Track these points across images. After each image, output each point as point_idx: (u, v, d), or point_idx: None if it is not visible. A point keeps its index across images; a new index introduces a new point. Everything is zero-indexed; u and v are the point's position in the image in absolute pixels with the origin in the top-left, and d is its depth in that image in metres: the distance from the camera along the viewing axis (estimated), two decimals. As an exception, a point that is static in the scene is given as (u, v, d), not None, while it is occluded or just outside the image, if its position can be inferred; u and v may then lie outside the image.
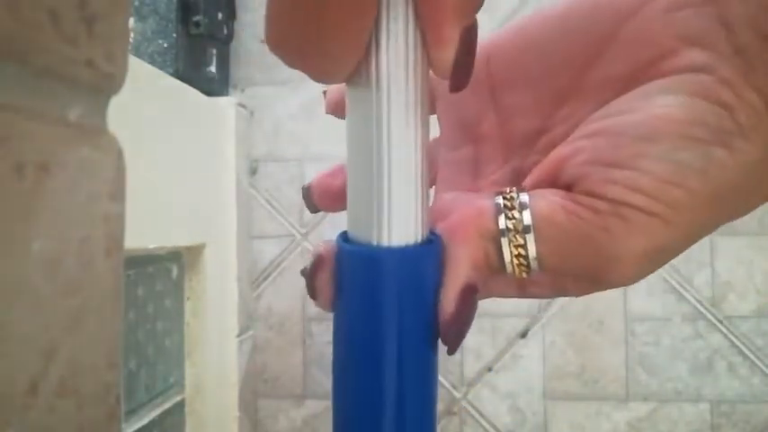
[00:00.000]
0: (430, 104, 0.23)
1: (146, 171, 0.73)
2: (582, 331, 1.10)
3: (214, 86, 1.09)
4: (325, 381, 1.14)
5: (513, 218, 0.22)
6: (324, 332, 1.14)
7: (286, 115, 1.15)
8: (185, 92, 0.92)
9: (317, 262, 0.24)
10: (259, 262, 1.15)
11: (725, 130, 0.20)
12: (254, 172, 1.15)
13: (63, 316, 0.16)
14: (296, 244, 1.15)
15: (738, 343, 1.08)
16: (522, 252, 0.22)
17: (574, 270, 0.23)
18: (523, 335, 1.11)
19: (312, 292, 0.24)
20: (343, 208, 0.24)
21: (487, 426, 1.11)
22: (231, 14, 1.14)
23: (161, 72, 0.86)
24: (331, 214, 1.13)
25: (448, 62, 0.20)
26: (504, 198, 0.23)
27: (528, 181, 0.24)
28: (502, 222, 0.22)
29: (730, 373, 1.08)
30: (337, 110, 0.28)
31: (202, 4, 1.05)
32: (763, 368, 1.07)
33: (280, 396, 1.14)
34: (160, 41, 1.01)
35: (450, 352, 0.23)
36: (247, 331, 1.10)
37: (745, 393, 1.07)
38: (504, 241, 0.22)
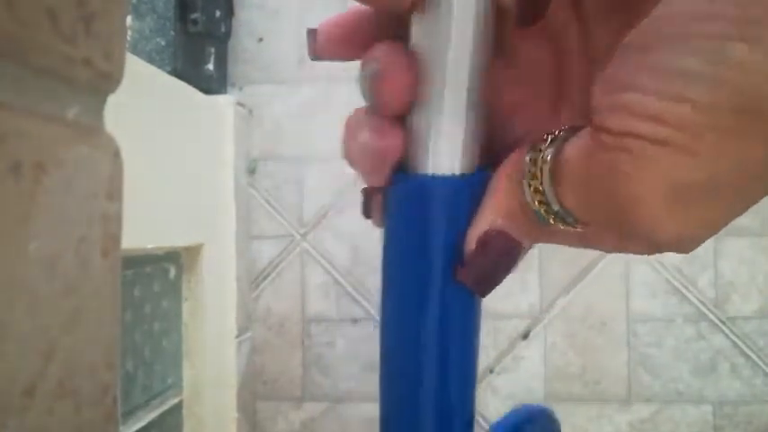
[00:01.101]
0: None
1: (143, 170, 0.73)
2: (584, 332, 1.10)
3: (212, 85, 1.10)
4: (324, 383, 1.14)
5: (536, 162, 0.21)
6: (323, 333, 1.14)
7: (285, 114, 1.16)
8: (183, 90, 0.92)
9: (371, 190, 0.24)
10: (258, 262, 1.15)
11: (749, 18, 0.16)
12: (252, 171, 1.15)
13: (60, 316, 0.16)
14: (295, 244, 1.15)
15: (741, 344, 1.08)
16: (543, 198, 0.21)
17: (599, 217, 0.20)
18: (525, 336, 1.11)
19: (366, 211, 0.25)
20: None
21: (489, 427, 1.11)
22: (229, 12, 1.14)
23: (159, 70, 0.86)
24: (331, 216, 1.14)
25: None
26: (535, 146, 0.22)
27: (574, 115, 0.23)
28: (528, 168, 0.21)
29: (733, 375, 1.08)
30: (328, 48, 0.26)
31: (200, 1, 1.06)
32: (766, 369, 1.08)
33: (278, 398, 1.14)
34: (158, 40, 1.02)
35: (480, 295, 0.23)
36: (246, 332, 1.11)
37: (748, 394, 1.08)
38: (525, 184, 0.21)
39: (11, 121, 0.14)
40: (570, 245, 0.24)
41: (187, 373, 0.96)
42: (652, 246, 0.20)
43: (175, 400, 0.94)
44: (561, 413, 1.15)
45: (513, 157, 0.23)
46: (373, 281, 1.14)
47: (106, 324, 0.18)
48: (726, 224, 0.19)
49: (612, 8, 0.23)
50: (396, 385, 0.25)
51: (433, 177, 0.22)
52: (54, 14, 0.15)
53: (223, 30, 1.11)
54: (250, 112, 1.14)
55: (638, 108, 0.17)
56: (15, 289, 0.14)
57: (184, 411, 0.96)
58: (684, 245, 0.19)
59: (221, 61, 1.12)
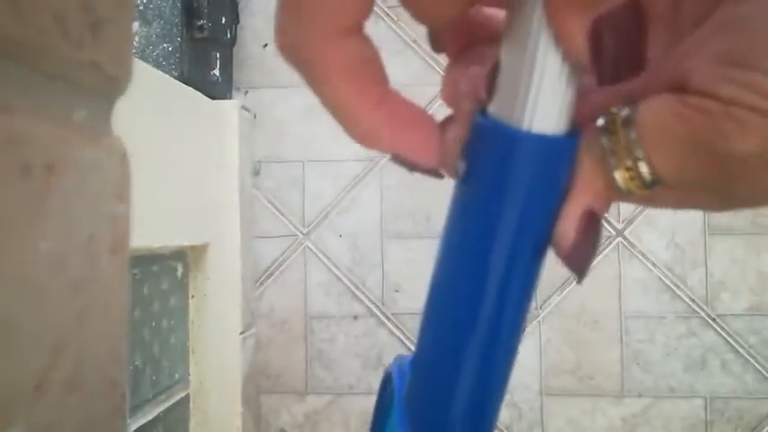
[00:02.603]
0: None
1: (151, 172, 0.73)
2: (577, 329, 1.10)
3: (218, 89, 1.09)
4: (327, 377, 1.15)
5: (617, 135, 0.20)
6: (324, 329, 1.15)
7: (288, 117, 1.15)
8: (189, 95, 0.92)
9: (453, 116, 0.22)
10: (262, 261, 1.15)
11: None
12: (256, 173, 1.15)
13: (70, 314, 0.16)
14: (298, 243, 1.15)
15: (731, 340, 1.08)
16: (632, 166, 0.20)
17: (696, 180, 0.20)
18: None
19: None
20: (471, 47, 0.23)
21: (486, 421, 1.11)
22: (235, 18, 1.13)
23: (166, 75, 0.86)
24: (333, 216, 1.14)
25: (578, 55, 0.19)
26: (607, 117, 0.21)
27: (649, 81, 0.22)
28: (606, 143, 0.21)
29: (723, 370, 1.08)
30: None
31: (206, 8, 1.05)
32: (756, 365, 1.08)
33: (282, 392, 1.15)
34: (165, 45, 1.01)
35: (578, 280, 0.22)
36: (250, 329, 1.11)
37: (739, 390, 1.08)
38: (612, 161, 0.20)
39: (21, 124, 0.14)
40: (636, 203, 0.23)
41: (193, 369, 0.97)
42: (737, 202, 0.22)
43: (182, 395, 0.95)
44: (555, 407, 1.16)
45: (588, 133, 0.21)
46: (373, 280, 1.14)
47: (115, 321, 0.18)
48: None
49: None
50: (446, 341, 0.23)
51: (533, 134, 0.20)
52: (62, 20, 0.15)
53: (229, 36, 1.11)
54: (254, 115, 1.14)
55: (751, 83, 0.18)
56: (26, 287, 0.14)
57: (191, 405, 0.97)
58: None
59: (227, 66, 1.11)
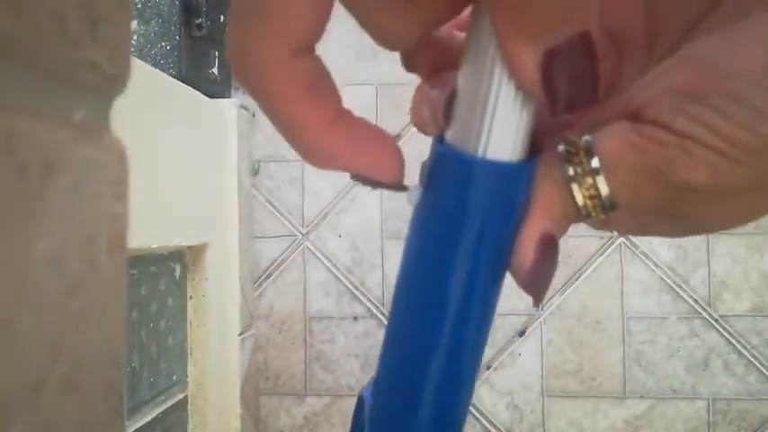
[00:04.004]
0: None
1: (149, 172, 0.73)
2: (579, 330, 1.10)
3: (216, 88, 1.09)
4: (326, 378, 1.15)
5: (580, 162, 0.21)
6: (324, 330, 1.15)
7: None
8: (188, 93, 0.92)
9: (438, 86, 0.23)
10: (261, 261, 1.15)
11: None
12: (255, 172, 1.15)
13: (67, 315, 0.16)
14: (297, 244, 1.15)
15: (734, 341, 1.08)
16: (594, 193, 0.21)
17: (650, 205, 0.21)
18: (521, 333, 1.11)
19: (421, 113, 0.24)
20: (443, 69, 0.23)
21: (486, 423, 1.11)
22: None
23: (164, 74, 0.86)
24: (332, 217, 1.14)
25: (529, 86, 0.19)
26: (568, 144, 0.22)
27: (612, 105, 0.23)
28: (569, 169, 0.21)
29: (726, 372, 1.08)
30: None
31: (205, 6, 1.04)
32: (759, 366, 1.08)
33: (281, 393, 1.15)
34: (163, 44, 1.01)
35: (535, 304, 0.23)
36: (249, 330, 1.11)
37: (741, 391, 1.08)
38: (575, 186, 0.21)
39: (18, 123, 0.14)
40: (594, 227, 0.24)
41: (192, 370, 0.97)
42: (692, 227, 0.23)
43: (180, 396, 0.94)
44: (557, 409, 1.16)
45: (548, 159, 0.22)
46: (373, 280, 1.14)
47: (112, 322, 0.18)
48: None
49: (681, 14, 0.23)
50: (405, 369, 0.24)
51: (488, 161, 0.21)
52: (60, 18, 0.15)
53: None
54: (253, 114, 1.14)
55: (704, 120, 0.19)
56: (22, 288, 0.14)
57: (189, 407, 0.97)
58: (725, 228, 0.22)
59: (225, 65, 1.11)
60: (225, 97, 1.10)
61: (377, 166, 0.22)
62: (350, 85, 0.97)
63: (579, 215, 0.22)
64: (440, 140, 0.22)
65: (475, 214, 0.22)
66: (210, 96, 1.01)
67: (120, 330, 0.19)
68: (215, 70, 1.09)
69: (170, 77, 0.88)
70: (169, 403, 0.91)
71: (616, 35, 0.25)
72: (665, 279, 1.09)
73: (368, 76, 1.11)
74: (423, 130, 0.24)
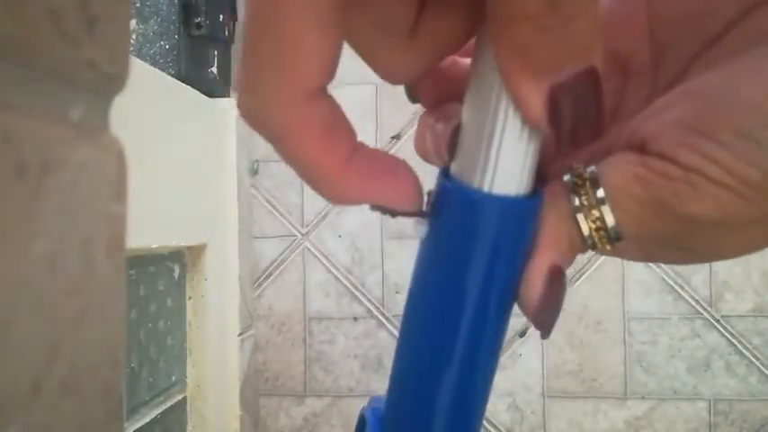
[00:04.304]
0: None
1: (147, 171, 0.73)
2: (580, 330, 1.10)
3: (215, 87, 1.08)
4: (326, 379, 1.14)
5: (586, 193, 0.21)
6: (324, 331, 1.14)
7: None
8: (187, 93, 0.92)
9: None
10: (260, 262, 1.15)
11: None
12: (255, 172, 1.15)
13: (65, 316, 0.16)
14: (297, 244, 1.15)
15: (736, 342, 1.08)
16: (601, 225, 0.21)
17: (656, 236, 0.22)
18: (522, 334, 1.11)
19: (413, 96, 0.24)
20: (447, 98, 0.24)
21: (486, 424, 1.11)
22: (232, 16, 1.13)
23: (163, 73, 0.86)
24: (332, 216, 1.14)
25: (536, 122, 0.20)
26: (573, 175, 0.22)
27: (618, 136, 0.23)
28: (575, 200, 0.22)
29: (728, 372, 1.08)
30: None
31: (204, 5, 1.04)
32: (761, 367, 1.08)
33: (281, 394, 1.15)
34: (162, 43, 1.01)
35: (544, 336, 0.23)
36: (249, 330, 1.11)
37: (743, 392, 1.08)
38: (581, 217, 0.22)
39: (15, 123, 0.14)
40: (601, 254, 0.25)
41: (191, 371, 0.96)
42: (697, 258, 0.23)
43: (179, 397, 0.94)
44: (558, 410, 1.16)
45: (553, 190, 0.22)
46: (373, 280, 1.14)
47: (111, 323, 0.18)
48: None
49: (686, 47, 0.24)
50: (413, 409, 0.24)
51: (494, 196, 0.21)
52: (57, 16, 0.15)
53: (226, 33, 1.10)
54: None
55: (711, 154, 0.19)
56: (20, 289, 0.14)
57: (188, 408, 0.96)
58: (730, 258, 0.23)
59: (224, 64, 1.11)
60: (224, 96, 1.10)
61: (396, 198, 0.22)
62: (350, 84, 0.97)
63: (585, 246, 0.22)
64: (445, 174, 0.22)
65: (481, 249, 0.22)
66: (210, 96, 1.01)
67: (119, 331, 0.19)
68: (214, 69, 1.09)
69: (169, 77, 0.88)
70: (168, 404, 0.90)
71: (621, 59, 0.25)
72: (667, 279, 1.09)
73: (368, 76, 1.10)
74: (427, 159, 0.24)
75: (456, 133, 0.22)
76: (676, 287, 1.09)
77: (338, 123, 0.21)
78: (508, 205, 0.21)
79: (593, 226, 0.22)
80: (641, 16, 0.25)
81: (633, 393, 1.09)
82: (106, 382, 0.18)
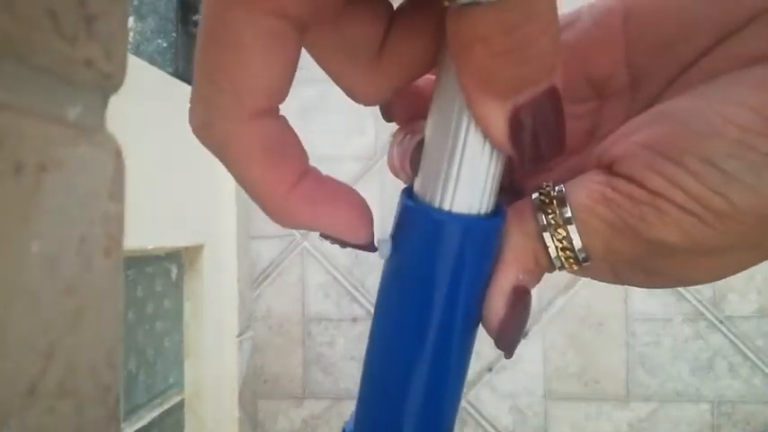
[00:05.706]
0: None
1: (145, 171, 0.73)
2: (582, 332, 1.10)
3: None
4: (325, 381, 1.14)
5: (553, 212, 0.21)
6: (323, 332, 1.14)
7: (284, 114, 1.16)
8: (185, 91, 0.92)
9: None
10: (258, 262, 1.15)
11: None
12: (253, 172, 1.16)
13: (62, 316, 0.16)
14: (295, 244, 1.15)
15: (739, 343, 1.08)
16: (567, 244, 0.21)
17: (623, 259, 0.22)
18: (524, 335, 1.11)
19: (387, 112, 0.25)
20: (421, 116, 0.23)
21: (488, 426, 1.11)
22: None
23: (160, 71, 0.86)
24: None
25: (498, 142, 0.20)
26: (541, 194, 0.22)
27: (582, 157, 0.23)
28: (542, 219, 0.22)
29: (731, 374, 1.08)
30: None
31: (201, 2, 1.05)
32: (764, 368, 1.08)
33: (279, 396, 1.15)
34: (160, 41, 1.02)
35: (507, 356, 0.23)
36: (247, 332, 1.11)
37: (746, 393, 1.08)
38: (547, 236, 0.22)
39: (12, 122, 0.14)
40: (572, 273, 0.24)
41: (189, 373, 0.97)
42: (665, 281, 0.23)
43: (177, 399, 0.94)
44: (560, 412, 1.16)
45: (520, 208, 0.22)
46: (373, 280, 1.14)
47: (108, 324, 0.18)
48: (744, 268, 0.22)
49: (661, 71, 0.24)
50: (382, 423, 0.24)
51: (454, 215, 0.21)
52: (54, 15, 0.15)
53: None
54: None
55: (676, 180, 0.19)
56: (16, 289, 0.14)
57: (186, 410, 0.96)
58: (701, 283, 0.23)
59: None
60: (222, 95, 1.10)
61: (343, 228, 0.22)
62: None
63: (552, 266, 0.22)
64: (408, 192, 0.22)
65: (442, 268, 0.22)
66: (208, 94, 1.00)
67: (116, 332, 0.19)
68: (212, 68, 1.09)
69: (166, 75, 0.88)
70: (166, 406, 0.90)
71: (597, 83, 0.26)
72: (669, 280, 1.09)
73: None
74: (397, 176, 0.25)
75: (419, 149, 0.22)
76: (679, 288, 1.09)
77: (286, 145, 0.20)
78: (468, 224, 0.21)
79: (560, 245, 0.21)
80: (619, 39, 0.25)
81: (636, 395, 1.09)
82: (103, 384, 0.18)
